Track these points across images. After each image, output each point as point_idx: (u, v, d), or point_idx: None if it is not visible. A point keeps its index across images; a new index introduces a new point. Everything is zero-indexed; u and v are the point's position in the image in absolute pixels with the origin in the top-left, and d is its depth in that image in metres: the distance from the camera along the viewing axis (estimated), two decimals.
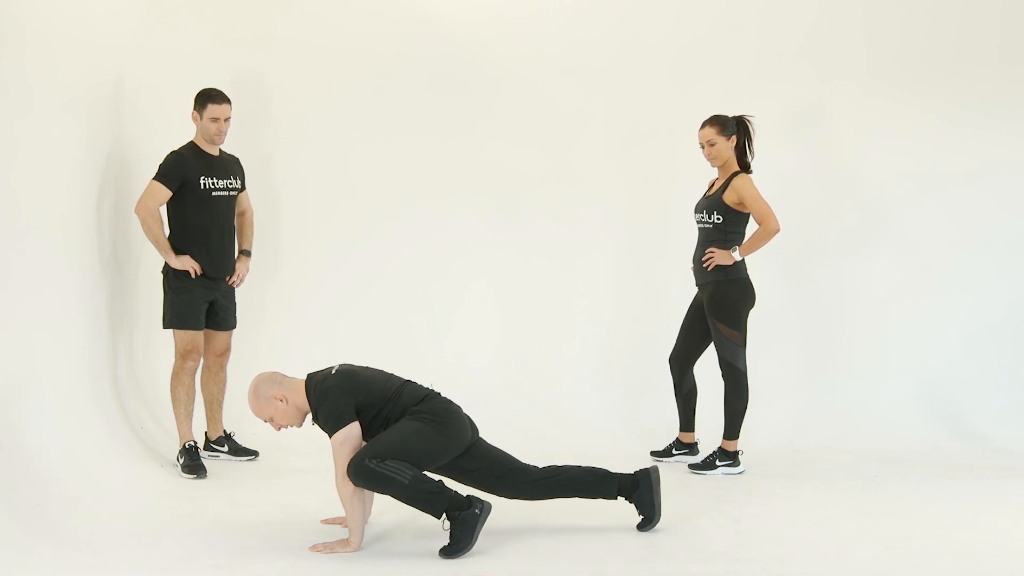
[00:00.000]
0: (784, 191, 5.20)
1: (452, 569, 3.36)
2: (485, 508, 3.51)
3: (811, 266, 5.84)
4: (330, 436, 3.54)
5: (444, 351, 5.65)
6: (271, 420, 3.64)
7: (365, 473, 3.43)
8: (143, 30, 5.20)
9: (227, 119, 4.75)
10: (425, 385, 3.78)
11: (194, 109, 4.73)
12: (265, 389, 3.62)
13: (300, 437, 4.15)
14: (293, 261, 5.68)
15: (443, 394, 3.76)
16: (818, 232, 5.81)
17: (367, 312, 5.69)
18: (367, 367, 3.77)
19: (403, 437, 3.53)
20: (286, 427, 3.68)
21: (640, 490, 3.73)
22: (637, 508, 3.76)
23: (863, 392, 5.68)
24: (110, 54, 4.85)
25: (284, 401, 3.60)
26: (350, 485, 3.48)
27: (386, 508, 3.96)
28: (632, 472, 3.79)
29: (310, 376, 3.67)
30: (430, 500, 3.47)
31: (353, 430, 3.52)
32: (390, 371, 3.81)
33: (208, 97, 4.70)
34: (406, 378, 3.78)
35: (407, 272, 5.77)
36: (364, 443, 3.57)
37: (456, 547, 3.46)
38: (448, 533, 3.48)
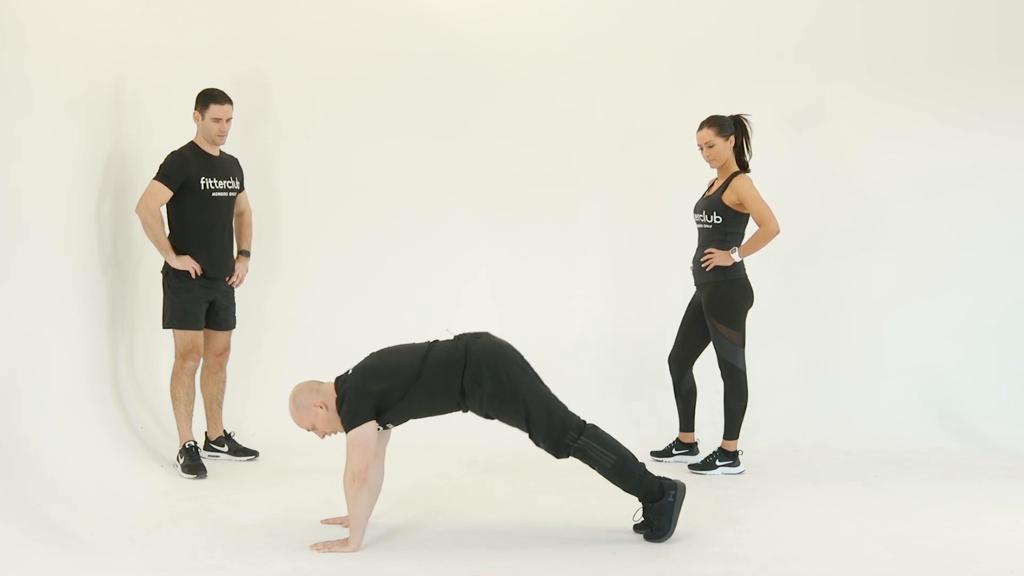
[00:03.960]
0: (784, 191, 5.20)
1: (452, 569, 3.35)
2: (679, 491, 3.64)
3: (811, 266, 5.84)
4: (346, 433, 3.54)
5: None
6: (313, 428, 3.60)
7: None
8: (143, 30, 5.20)
9: (229, 119, 4.75)
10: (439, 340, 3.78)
11: (196, 109, 4.73)
12: (304, 398, 3.58)
13: (300, 437, 4.14)
14: (293, 261, 5.69)
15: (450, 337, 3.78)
16: (818, 232, 5.81)
17: (367, 311, 5.68)
18: (392, 348, 3.76)
19: (528, 399, 3.59)
20: (330, 434, 3.63)
21: (663, 502, 3.64)
22: (653, 518, 3.65)
23: (863, 392, 5.68)
24: (110, 54, 4.84)
25: (324, 408, 3.57)
26: (357, 484, 3.47)
27: (386, 510, 3.96)
28: (659, 478, 3.68)
29: (337, 379, 3.65)
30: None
31: (366, 429, 3.51)
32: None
33: (210, 97, 4.70)
34: (428, 343, 3.77)
35: (407, 271, 5.77)
36: (376, 442, 3.58)
37: (659, 534, 3.64)
38: (642, 521, 3.68)
